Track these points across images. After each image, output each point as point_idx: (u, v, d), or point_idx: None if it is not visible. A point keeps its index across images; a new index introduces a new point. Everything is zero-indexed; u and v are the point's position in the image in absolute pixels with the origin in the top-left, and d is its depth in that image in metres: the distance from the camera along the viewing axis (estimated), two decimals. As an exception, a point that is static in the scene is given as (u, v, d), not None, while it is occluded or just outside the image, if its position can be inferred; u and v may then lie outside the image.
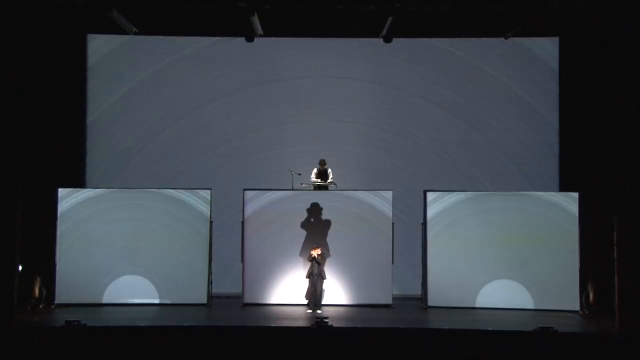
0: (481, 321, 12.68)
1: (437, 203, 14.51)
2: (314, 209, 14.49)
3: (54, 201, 14.38)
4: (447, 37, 15.71)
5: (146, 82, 16.00)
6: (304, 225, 14.46)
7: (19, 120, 12.12)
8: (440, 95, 15.95)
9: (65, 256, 14.34)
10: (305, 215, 14.45)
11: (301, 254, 14.16)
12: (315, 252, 13.70)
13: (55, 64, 15.05)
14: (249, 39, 15.17)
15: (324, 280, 13.74)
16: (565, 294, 14.15)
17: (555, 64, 15.67)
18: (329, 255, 14.15)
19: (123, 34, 15.33)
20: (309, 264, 13.76)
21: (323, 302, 13.79)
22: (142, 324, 11.97)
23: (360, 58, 16.02)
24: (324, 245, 14.21)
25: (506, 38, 15.33)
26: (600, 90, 14.45)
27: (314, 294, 13.58)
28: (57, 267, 14.30)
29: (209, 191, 14.68)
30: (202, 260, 14.43)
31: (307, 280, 13.69)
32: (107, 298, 14.26)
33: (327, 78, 16.04)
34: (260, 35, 15.06)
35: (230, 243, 14.87)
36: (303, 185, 14.70)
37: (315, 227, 14.47)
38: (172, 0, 13.70)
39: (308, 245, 14.18)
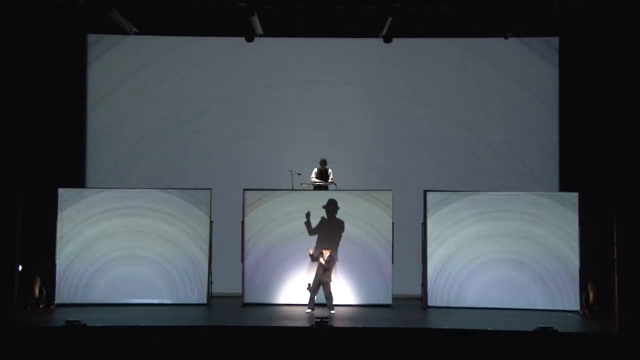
0: (481, 321, 12.67)
1: (437, 203, 14.51)
2: (331, 206, 14.47)
3: (54, 201, 14.39)
4: (447, 37, 15.71)
5: (146, 82, 16.00)
6: (318, 225, 14.44)
7: (19, 120, 12.12)
8: (440, 95, 15.96)
9: (65, 256, 14.35)
10: (304, 216, 14.48)
11: (313, 253, 13.91)
12: (326, 254, 13.59)
13: (55, 64, 15.04)
14: (249, 39, 15.18)
15: (330, 283, 13.70)
16: (565, 294, 14.17)
17: (555, 64, 15.67)
18: (337, 260, 14.04)
19: (123, 34, 15.34)
20: (314, 263, 13.72)
21: (322, 302, 13.77)
22: (142, 324, 11.96)
23: (360, 58, 16.02)
24: (334, 248, 14.20)
25: (506, 38, 15.35)
26: (600, 90, 14.44)
27: (317, 291, 13.58)
28: (57, 267, 14.31)
29: (209, 191, 14.69)
30: (202, 260, 14.44)
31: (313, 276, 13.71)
32: (107, 298, 14.27)
33: (327, 78, 16.04)
34: (260, 35, 15.07)
35: (230, 243, 14.87)
36: (303, 185, 14.71)
37: (329, 226, 14.46)
38: (172, 0, 13.70)
39: (320, 245, 14.14)
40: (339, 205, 14.51)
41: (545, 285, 14.21)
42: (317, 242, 14.31)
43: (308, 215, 14.42)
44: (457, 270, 14.36)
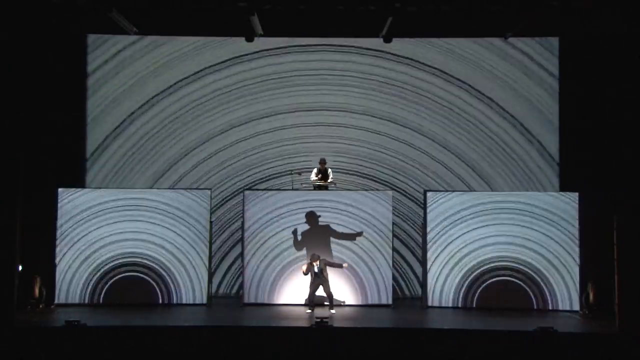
0: (481, 321, 12.67)
1: (437, 203, 14.52)
2: (310, 218, 14.47)
3: (54, 201, 14.39)
4: (447, 37, 15.72)
5: (146, 82, 15.99)
6: (302, 237, 14.40)
7: (19, 120, 12.12)
8: (440, 95, 15.95)
9: (65, 256, 14.35)
10: (303, 219, 14.49)
11: (306, 270, 13.85)
12: (316, 264, 13.56)
13: (55, 64, 15.04)
14: (249, 39, 15.18)
15: (329, 283, 13.66)
16: (565, 294, 14.18)
17: (555, 64, 15.68)
18: (338, 264, 13.83)
19: (123, 34, 15.34)
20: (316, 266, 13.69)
21: (323, 302, 13.76)
22: (142, 324, 11.96)
23: (360, 58, 16.03)
24: (326, 254, 14.16)
25: (506, 38, 15.34)
26: (600, 90, 14.44)
27: (315, 295, 13.58)
28: (57, 267, 14.32)
29: (208, 191, 14.70)
30: (202, 260, 14.44)
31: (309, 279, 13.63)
32: (107, 298, 14.27)
33: (326, 78, 16.05)
34: (260, 35, 15.06)
35: (230, 243, 14.88)
36: (303, 185, 14.71)
37: (315, 235, 14.46)
38: (172, 0, 13.69)
39: (309, 254, 14.12)
40: (339, 205, 14.51)
41: (545, 285, 14.22)
42: (307, 254, 14.25)
43: (295, 232, 14.39)
44: (457, 270, 14.36)
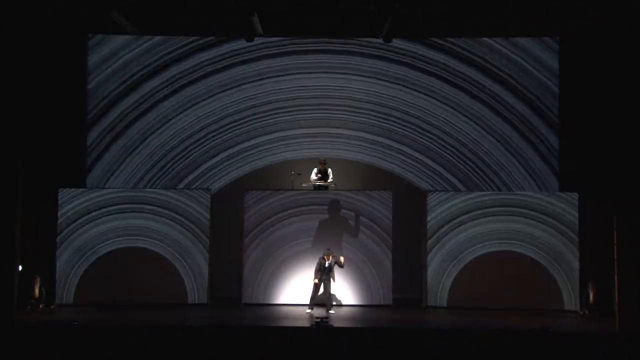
0: (481, 321, 12.67)
1: (437, 203, 14.53)
2: (333, 206, 14.51)
3: (54, 201, 14.39)
4: (447, 37, 15.72)
5: (146, 82, 15.98)
6: (320, 225, 14.51)
7: (19, 121, 12.11)
8: (440, 95, 15.95)
9: (65, 256, 14.35)
10: (305, 215, 14.52)
11: (314, 248, 14.09)
12: (328, 259, 13.55)
13: (55, 64, 15.05)
14: (249, 39, 15.19)
15: (330, 284, 13.66)
16: (565, 294, 14.19)
17: (555, 64, 15.68)
18: (341, 264, 13.73)
19: (123, 34, 15.34)
20: (315, 263, 13.68)
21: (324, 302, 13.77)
22: (142, 324, 11.96)
23: (361, 58, 16.02)
24: (338, 247, 14.19)
25: (506, 38, 15.33)
26: (600, 90, 14.44)
27: (317, 295, 13.56)
28: (57, 267, 14.32)
29: (208, 192, 14.71)
30: (202, 260, 14.45)
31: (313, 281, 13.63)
32: (106, 298, 14.26)
33: (327, 78, 16.04)
34: (260, 35, 15.07)
35: (230, 243, 14.88)
36: (303, 185, 14.72)
37: (330, 224, 14.51)
38: (172, 0, 13.70)
39: (320, 241, 14.21)
40: (339, 205, 14.53)
41: (545, 285, 14.22)
42: (320, 239, 14.32)
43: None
44: (457, 270, 14.37)
